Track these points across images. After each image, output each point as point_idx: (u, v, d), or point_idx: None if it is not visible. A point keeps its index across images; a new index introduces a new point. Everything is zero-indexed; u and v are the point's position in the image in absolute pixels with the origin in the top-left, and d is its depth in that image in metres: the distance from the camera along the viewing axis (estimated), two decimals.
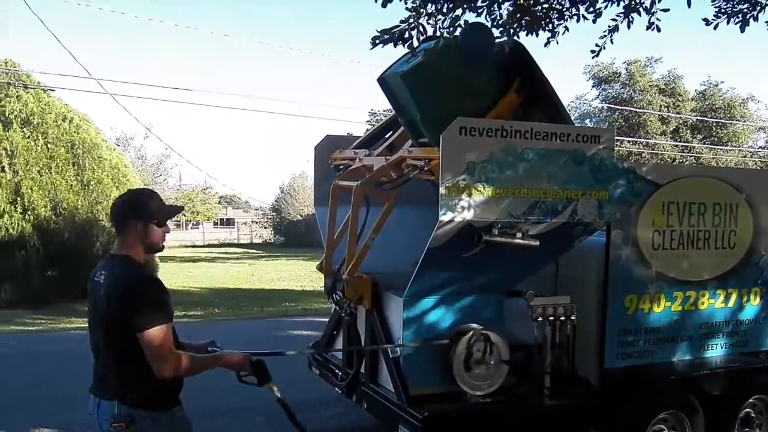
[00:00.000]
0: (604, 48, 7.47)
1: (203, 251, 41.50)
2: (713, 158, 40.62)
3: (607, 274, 5.41)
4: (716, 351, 5.95)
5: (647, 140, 39.42)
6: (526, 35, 7.00)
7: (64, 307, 16.75)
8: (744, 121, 41.36)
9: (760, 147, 45.61)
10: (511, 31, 6.92)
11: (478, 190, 4.66)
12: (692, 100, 41.98)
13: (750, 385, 6.03)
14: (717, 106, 41.48)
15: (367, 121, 42.73)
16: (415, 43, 5.91)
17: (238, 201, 77.75)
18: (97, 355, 3.56)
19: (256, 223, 55.89)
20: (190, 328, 13.21)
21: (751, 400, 5.99)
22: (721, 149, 41.06)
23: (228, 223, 69.93)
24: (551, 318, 5.29)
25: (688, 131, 41.50)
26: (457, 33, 6.13)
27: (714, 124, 40.85)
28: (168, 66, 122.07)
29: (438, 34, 6.19)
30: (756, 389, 6.02)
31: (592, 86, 43.31)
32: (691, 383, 5.72)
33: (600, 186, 5.08)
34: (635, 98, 40.49)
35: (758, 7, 6.90)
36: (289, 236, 46.18)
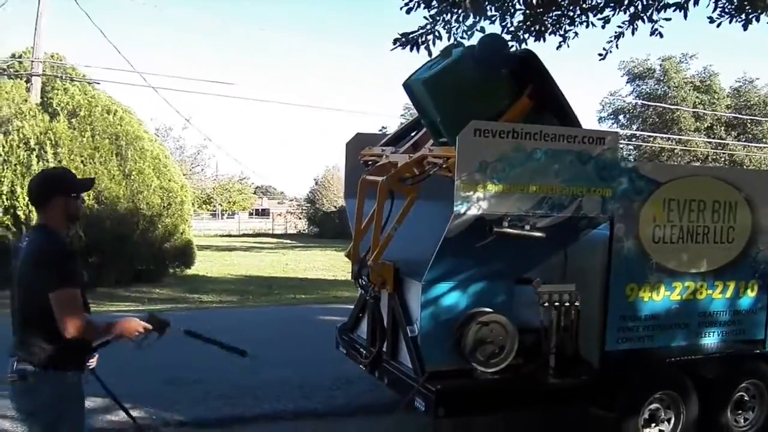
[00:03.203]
0: (611, 52, 7.92)
1: (238, 240, 42.19)
2: (747, 155, 40.49)
3: (610, 264, 5.87)
4: (712, 338, 6.38)
5: (680, 137, 39.41)
6: (535, 41, 7.48)
7: (105, 292, 17.46)
8: None
9: None
10: (521, 37, 7.39)
11: (490, 186, 5.14)
12: (727, 96, 41.81)
13: (743, 371, 6.44)
14: (752, 102, 41.28)
15: (401, 115, 43.20)
16: (432, 48, 6.36)
17: (273, 192, 78.64)
18: (13, 317, 3.87)
19: (291, 213, 56.52)
20: (224, 313, 13.85)
21: (744, 384, 6.40)
22: (756, 146, 40.89)
23: (263, 213, 70.65)
24: (557, 304, 5.75)
25: (723, 128, 41.37)
26: (474, 41, 6.61)
27: (748, 121, 40.69)
28: (209, 59, 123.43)
29: (453, 40, 6.67)
30: (749, 374, 6.43)
31: (627, 82, 43.38)
32: (686, 366, 6.13)
33: (604, 183, 5.54)
34: (669, 95, 40.46)
35: (759, 10, 7.27)
36: (323, 227, 46.77)
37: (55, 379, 3.75)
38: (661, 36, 7.64)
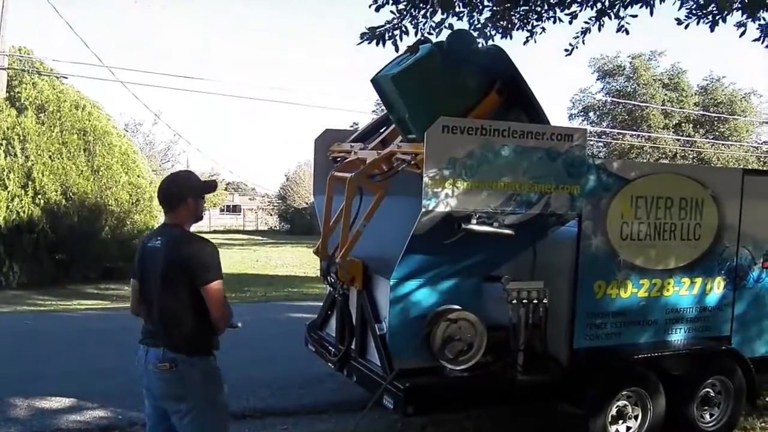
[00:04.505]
0: (577, 47, 7.96)
1: (209, 237, 41.60)
2: (715, 153, 40.92)
3: (578, 261, 5.89)
4: (679, 334, 6.43)
5: (649, 134, 39.73)
6: (502, 38, 7.49)
7: (73, 290, 17.27)
8: (745, 116, 41.57)
9: (763, 142, 45.73)
10: (488, 34, 7.39)
11: (458, 183, 5.13)
12: (695, 94, 42.20)
13: (709, 367, 6.46)
14: (719, 100, 41.67)
15: (373, 111, 43.13)
16: (399, 43, 6.34)
17: (244, 188, 78.03)
18: (150, 311, 4.19)
19: (262, 209, 56.21)
20: None
21: (710, 381, 6.43)
22: (723, 144, 41.31)
23: (234, 209, 70.12)
24: (525, 301, 5.75)
25: (691, 126, 41.76)
26: (441, 37, 6.59)
27: (716, 119, 41.11)
28: (179, 54, 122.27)
29: (420, 35, 6.65)
30: (715, 371, 6.45)
31: (597, 79, 43.56)
32: (653, 363, 6.16)
33: (572, 180, 5.55)
34: (639, 92, 40.74)
35: (725, 11, 7.32)
36: (295, 223, 46.52)
37: (202, 363, 4.11)
38: (627, 33, 7.70)
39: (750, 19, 7.49)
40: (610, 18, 7.68)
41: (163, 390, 4.13)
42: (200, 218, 4.39)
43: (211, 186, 4.51)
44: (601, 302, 6.03)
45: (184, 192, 4.23)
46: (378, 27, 6.64)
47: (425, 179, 5.03)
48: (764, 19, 7.60)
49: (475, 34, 7.07)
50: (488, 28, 7.39)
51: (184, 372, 4.04)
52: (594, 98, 43.65)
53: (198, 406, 4.10)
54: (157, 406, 4.25)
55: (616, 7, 7.62)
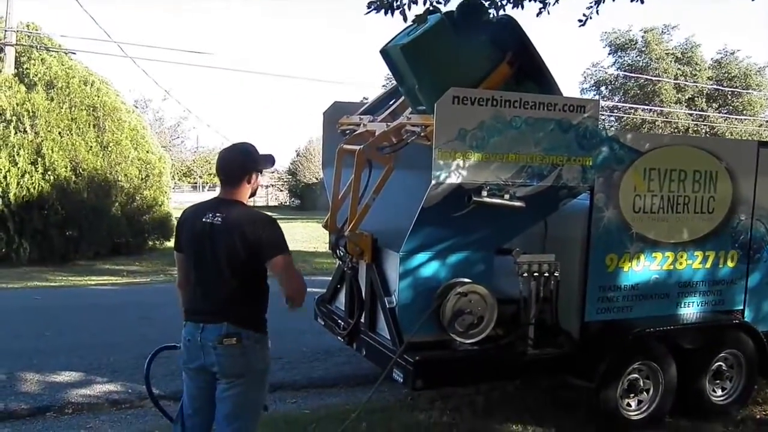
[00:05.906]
0: (591, 18, 7.75)
1: None
2: (728, 128, 40.61)
3: (590, 234, 5.82)
4: (691, 308, 6.34)
5: (661, 109, 39.46)
6: (513, 8, 7.32)
7: (83, 266, 17.31)
8: (760, 90, 41.19)
9: None
10: (499, 4, 7.22)
11: (469, 155, 5.05)
12: (708, 68, 41.84)
13: (721, 341, 6.40)
14: (733, 74, 41.31)
15: (383, 86, 42.93)
16: (407, 12, 6.25)
17: None
18: (205, 287, 4.03)
19: (273, 185, 56.28)
20: None
21: (722, 354, 6.38)
22: (736, 118, 40.99)
23: None
24: (536, 274, 5.67)
25: (704, 100, 41.44)
26: (450, 6, 6.46)
27: (729, 93, 40.77)
28: (188, 30, 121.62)
29: (429, 5, 6.53)
30: (727, 344, 6.40)
31: (609, 53, 43.31)
32: (665, 337, 6.10)
33: (584, 152, 5.47)
34: (651, 66, 40.45)
35: None
36: (305, 199, 46.57)
37: (263, 341, 4.06)
38: (642, 2, 7.51)
39: None
40: None
41: (225, 366, 3.95)
42: (254, 194, 4.28)
43: (270, 160, 4.32)
44: (612, 275, 5.95)
45: (249, 167, 4.11)
46: None
47: (435, 151, 4.96)
48: None
49: (487, 4, 6.92)
50: None
51: (248, 347, 3.95)
52: (606, 72, 43.37)
53: (250, 382, 4.00)
54: (205, 387, 4.08)
55: None
